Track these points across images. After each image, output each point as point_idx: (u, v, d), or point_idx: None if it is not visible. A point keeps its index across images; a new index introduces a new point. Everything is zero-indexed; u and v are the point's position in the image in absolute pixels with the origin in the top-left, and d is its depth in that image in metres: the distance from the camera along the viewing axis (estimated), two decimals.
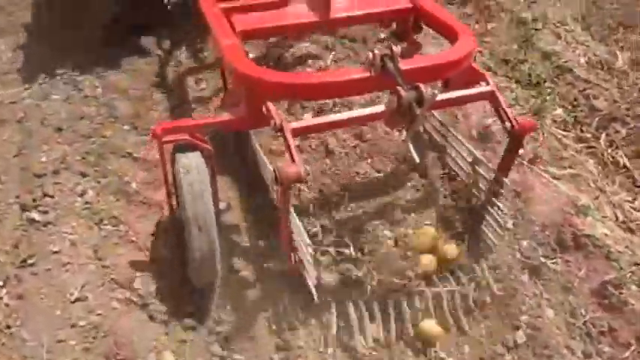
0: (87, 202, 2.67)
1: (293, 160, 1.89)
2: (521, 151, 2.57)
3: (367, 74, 2.00)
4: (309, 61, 3.22)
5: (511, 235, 2.61)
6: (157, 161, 2.30)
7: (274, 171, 1.91)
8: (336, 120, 2.19)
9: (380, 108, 2.05)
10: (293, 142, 1.94)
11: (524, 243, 2.59)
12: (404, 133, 2.67)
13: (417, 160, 2.56)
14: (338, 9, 2.44)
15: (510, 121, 2.18)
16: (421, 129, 2.71)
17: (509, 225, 2.60)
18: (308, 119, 2.35)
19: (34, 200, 2.64)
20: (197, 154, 2.10)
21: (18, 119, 3.12)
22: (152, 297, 2.35)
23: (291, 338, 2.25)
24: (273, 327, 2.27)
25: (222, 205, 2.52)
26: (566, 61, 3.68)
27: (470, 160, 2.49)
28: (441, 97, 2.06)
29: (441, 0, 4.00)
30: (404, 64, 1.96)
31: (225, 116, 2.19)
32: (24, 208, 2.62)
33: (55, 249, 2.47)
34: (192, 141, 2.09)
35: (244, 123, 2.23)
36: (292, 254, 2.19)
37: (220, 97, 2.95)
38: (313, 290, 2.15)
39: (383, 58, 1.94)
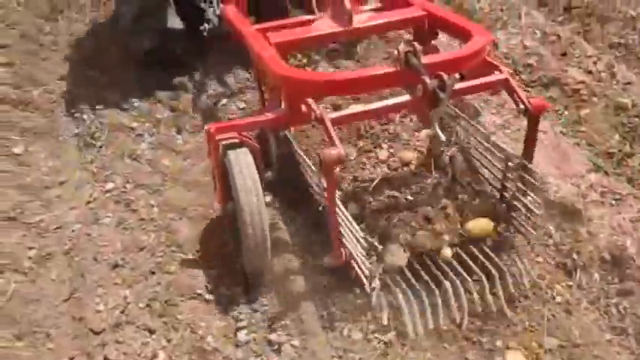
0: None
1: (334, 145, 2.11)
2: None
3: (394, 69, 2.26)
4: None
5: None
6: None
7: (318, 155, 2.10)
8: (368, 110, 2.37)
9: (406, 97, 2.32)
10: (333, 130, 2.16)
11: None
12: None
13: (443, 138, 2.53)
14: (359, 20, 2.72)
15: (524, 104, 2.35)
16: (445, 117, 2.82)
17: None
18: (344, 110, 2.57)
19: None
20: (245, 150, 2.34)
21: (66, 251, 2.70)
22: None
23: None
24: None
25: (267, 199, 2.71)
26: None
27: (496, 152, 2.56)
28: (459, 85, 2.25)
29: (522, 82, 3.61)
30: (425, 60, 2.21)
31: (270, 115, 2.44)
32: None
33: None
34: (242, 138, 2.34)
35: (287, 120, 2.47)
36: (342, 249, 2.33)
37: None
38: (367, 283, 2.25)
39: (407, 54, 2.19)
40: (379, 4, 3.09)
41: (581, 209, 2.76)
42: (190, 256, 2.68)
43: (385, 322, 2.30)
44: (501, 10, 4.40)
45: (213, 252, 2.69)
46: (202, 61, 3.90)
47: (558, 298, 2.45)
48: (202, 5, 3.69)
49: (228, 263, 2.62)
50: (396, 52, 2.23)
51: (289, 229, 2.75)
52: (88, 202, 2.98)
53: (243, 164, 2.29)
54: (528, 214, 2.47)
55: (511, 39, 4.09)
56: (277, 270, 2.55)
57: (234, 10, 3.12)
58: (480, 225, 2.60)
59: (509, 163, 2.49)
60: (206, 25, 3.59)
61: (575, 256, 2.61)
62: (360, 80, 2.32)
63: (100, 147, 3.37)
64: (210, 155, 2.47)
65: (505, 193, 2.60)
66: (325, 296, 2.44)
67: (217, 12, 3.51)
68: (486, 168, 2.70)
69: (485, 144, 2.61)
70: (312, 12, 2.95)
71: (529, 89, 3.72)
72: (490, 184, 2.71)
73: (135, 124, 3.52)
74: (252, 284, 2.50)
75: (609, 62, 3.79)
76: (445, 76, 2.11)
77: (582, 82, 3.61)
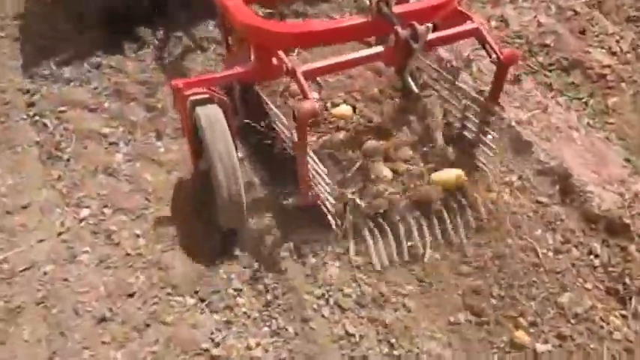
0: None
1: (307, 97, 2.08)
2: None
3: (366, 19, 2.25)
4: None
5: None
6: None
7: (292, 108, 2.09)
8: (341, 61, 2.28)
9: (379, 49, 2.30)
10: (305, 83, 2.12)
11: None
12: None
13: (416, 90, 2.71)
14: None
15: (496, 53, 2.36)
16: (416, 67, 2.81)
17: None
18: (316, 62, 2.34)
19: None
20: (215, 105, 2.27)
21: (39, 300, 2.27)
22: None
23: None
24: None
25: (240, 153, 2.61)
26: None
27: (460, 95, 2.63)
28: (431, 36, 2.24)
29: (540, 64, 3.26)
30: (396, 9, 2.22)
31: (239, 69, 2.38)
32: None
33: None
34: (212, 94, 2.28)
35: (257, 74, 2.43)
36: (309, 191, 2.38)
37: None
38: (332, 220, 2.37)
39: (379, 3, 2.18)
40: None
41: (630, 223, 2.47)
42: (189, 300, 2.29)
43: (353, 254, 2.40)
44: None
45: (215, 292, 2.32)
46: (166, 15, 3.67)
47: (616, 334, 2.18)
48: None
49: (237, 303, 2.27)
50: (367, 0, 2.22)
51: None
52: (60, 234, 2.53)
53: (214, 120, 2.24)
54: (488, 151, 2.56)
55: (523, 14, 3.69)
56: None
57: None
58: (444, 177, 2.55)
59: (468, 102, 2.58)
60: None
61: (627, 280, 2.33)
62: (331, 31, 2.28)
63: (68, 160, 2.89)
64: (177, 111, 2.44)
65: (465, 132, 2.67)
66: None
67: None
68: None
69: (449, 86, 2.67)
70: None
71: (547, 73, 3.37)
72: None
73: (107, 130, 3.03)
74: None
75: (633, 41, 3.45)
76: (418, 26, 2.14)
77: (608, 66, 3.27)
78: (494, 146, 2.55)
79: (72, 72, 3.46)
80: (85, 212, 2.60)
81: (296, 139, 2.20)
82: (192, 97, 2.25)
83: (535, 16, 3.65)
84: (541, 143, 2.78)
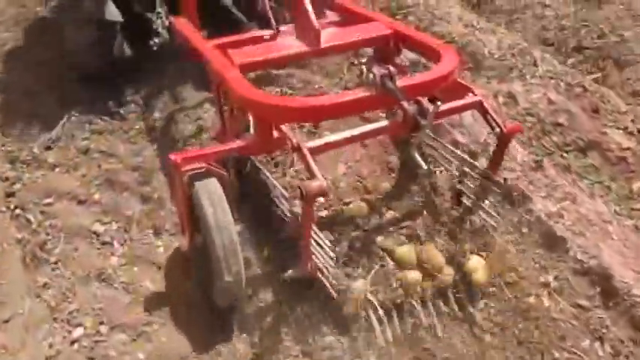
0: None
1: (314, 176, 2.00)
2: None
3: (371, 93, 2.16)
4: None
5: None
6: None
7: (299, 187, 2.00)
8: (349, 136, 2.25)
9: (385, 122, 2.33)
10: (312, 160, 2.04)
11: None
12: None
13: (424, 166, 2.72)
14: (325, 38, 2.56)
15: (499, 126, 2.37)
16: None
17: None
18: (322, 138, 2.31)
19: None
20: (214, 180, 2.20)
21: None
22: None
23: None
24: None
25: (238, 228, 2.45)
26: None
27: (459, 162, 2.61)
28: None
29: (556, 144, 3.14)
30: (401, 82, 2.16)
31: (240, 142, 2.31)
32: None
33: None
34: (211, 168, 2.21)
35: (258, 147, 2.37)
36: (310, 262, 2.25)
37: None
38: (332, 290, 2.27)
39: (382, 78, 2.12)
40: (336, 18, 2.94)
41: None
42: None
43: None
44: (512, 54, 3.90)
45: None
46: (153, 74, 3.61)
47: None
48: (149, 16, 3.28)
49: None
50: (371, 75, 2.16)
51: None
52: (49, 358, 2.21)
53: (213, 195, 2.16)
54: (490, 219, 2.54)
55: (532, 91, 3.58)
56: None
57: (186, 23, 2.92)
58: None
59: (467, 169, 2.55)
60: (155, 39, 3.26)
61: None
62: (335, 106, 2.19)
63: (56, 263, 2.59)
64: (172, 187, 2.37)
65: (461, 199, 2.64)
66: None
67: (166, 24, 3.19)
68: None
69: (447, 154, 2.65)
70: (269, 26, 2.75)
71: (564, 154, 3.24)
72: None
73: (99, 227, 2.76)
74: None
75: None
76: (425, 102, 2.13)
77: (627, 148, 3.17)
78: (494, 213, 2.53)
79: (57, 156, 3.20)
80: (78, 332, 2.29)
81: (299, 216, 2.15)
82: (190, 173, 2.17)
83: (544, 93, 3.55)
84: (575, 238, 2.60)
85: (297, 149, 2.07)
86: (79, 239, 2.70)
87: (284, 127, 2.19)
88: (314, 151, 2.10)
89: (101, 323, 2.32)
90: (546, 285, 2.49)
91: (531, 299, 2.40)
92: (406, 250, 2.55)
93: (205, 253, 2.22)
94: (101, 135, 3.37)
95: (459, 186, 2.62)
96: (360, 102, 2.21)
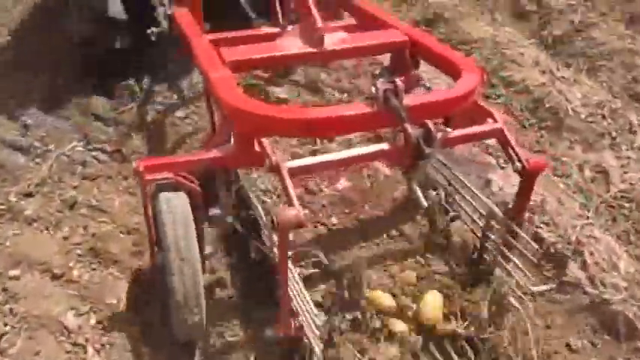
0: None
1: (291, 204, 1.76)
2: None
3: (370, 109, 1.91)
4: None
5: None
6: None
7: (271, 216, 1.84)
8: (336, 159, 2.02)
9: (383, 146, 2.01)
10: (291, 184, 1.81)
11: None
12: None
13: (425, 204, 2.38)
14: (331, 41, 2.35)
15: (521, 161, 2.09)
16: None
17: None
18: (306, 158, 2.07)
19: None
20: (181, 194, 1.97)
21: None
22: None
23: None
24: None
25: (208, 249, 2.26)
26: None
27: (482, 210, 2.28)
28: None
29: None
30: (408, 100, 1.91)
31: (213, 153, 2.04)
32: None
33: None
34: (177, 180, 1.97)
35: (234, 161, 2.08)
36: (292, 319, 1.97)
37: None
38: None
39: (386, 92, 1.86)
40: (353, 21, 2.72)
41: None
42: None
43: None
44: (603, 116, 3.20)
45: None
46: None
47: None
48: (153, 1, 3.04)
49: None
50: (373, 88, 1.90)
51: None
52: None
53: (175, 210, 1.93)
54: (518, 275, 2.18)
55: (629, 167, 2.90)
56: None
57: (187, 14, 2.71)
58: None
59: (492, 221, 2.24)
60: (154, 28, 2.98)
61: None
62: (326, 121, 1.92)
63: None
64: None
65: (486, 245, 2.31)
66: None
67: (168, 12, 2.96)
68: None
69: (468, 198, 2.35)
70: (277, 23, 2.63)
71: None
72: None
73: (72, 321, 2.11)
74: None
75: None
76: (432, 127, 1.88)
77: None
78: (520, 264, 2.16)
79: (37, 207, 2.61)
80: None
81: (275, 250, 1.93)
82: (157, 182, 1.95)
83: None
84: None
85: (276, 169, 1.84)
86: (45, 334, 2.06)
87: (265, 141, 1.94)
88: (295, 173, 1.86)
89: None
90: None
91: None
92: None
93: (164, 280, 1.96)
94: (94, 182, 2.79)
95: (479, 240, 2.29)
96: (355, 119, 1.94)
